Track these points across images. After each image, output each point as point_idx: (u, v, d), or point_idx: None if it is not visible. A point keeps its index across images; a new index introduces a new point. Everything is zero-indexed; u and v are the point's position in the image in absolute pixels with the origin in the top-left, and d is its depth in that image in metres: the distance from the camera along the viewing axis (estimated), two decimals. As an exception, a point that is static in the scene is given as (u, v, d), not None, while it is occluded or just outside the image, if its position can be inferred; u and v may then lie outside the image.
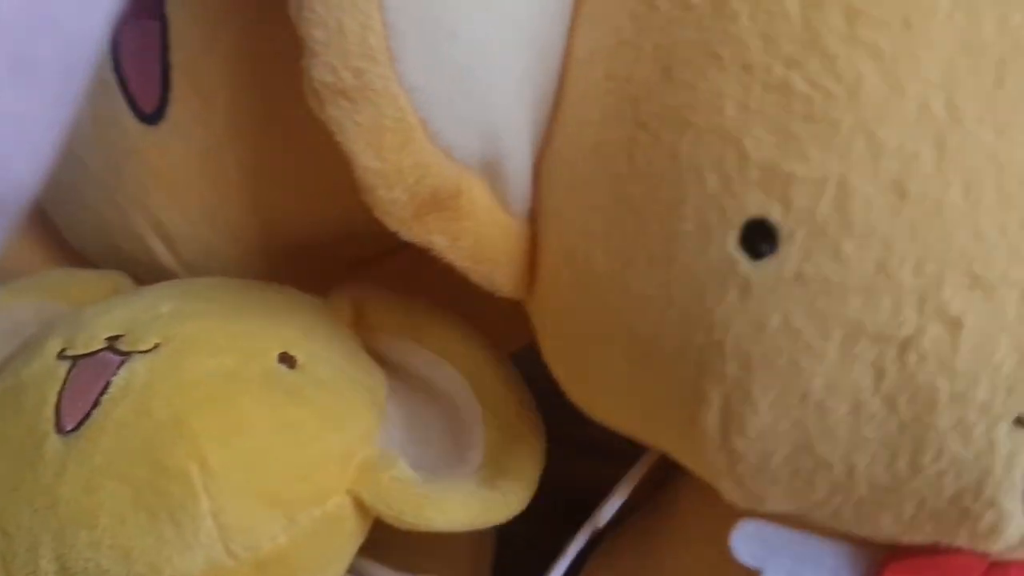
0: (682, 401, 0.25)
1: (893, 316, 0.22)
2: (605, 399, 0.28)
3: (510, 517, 0.29)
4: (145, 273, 0.33)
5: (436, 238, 0.26)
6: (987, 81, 0.21)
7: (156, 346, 0.28)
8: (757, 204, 0.22)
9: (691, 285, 0.24)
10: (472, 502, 0.28)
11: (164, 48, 0.31)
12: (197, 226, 0.32)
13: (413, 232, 0.26)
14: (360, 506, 0.28)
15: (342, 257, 0.34)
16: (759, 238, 0.22)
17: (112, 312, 0.29)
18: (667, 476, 0.33)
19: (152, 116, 0.31)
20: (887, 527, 0.25)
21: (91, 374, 0.27)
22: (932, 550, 0.26)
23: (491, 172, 0.26)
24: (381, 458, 0.28)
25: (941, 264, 0.22)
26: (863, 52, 0.22)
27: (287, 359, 0.28)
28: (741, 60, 0.22)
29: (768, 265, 0.23)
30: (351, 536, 0.28)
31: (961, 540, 0.25)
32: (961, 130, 0.21)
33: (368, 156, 0.24)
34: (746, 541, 0.27)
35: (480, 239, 0.26)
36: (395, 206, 0.26)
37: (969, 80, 0.21)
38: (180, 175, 0.31)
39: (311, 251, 0.33)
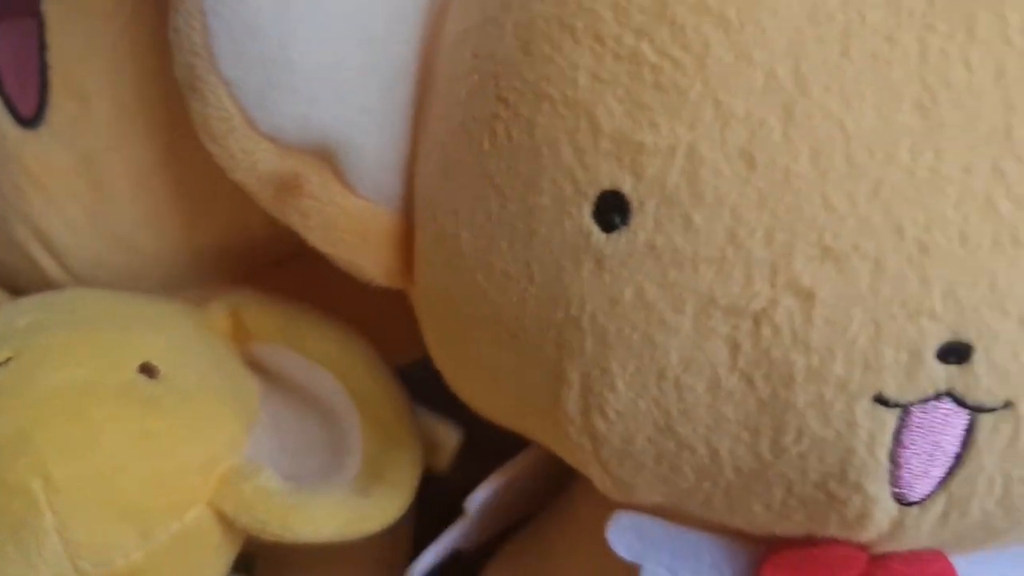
0: (545, 382, 0.24)
1: (745, 288, 0.22)
2: (481, 388, 0.27)
3: (385, 525, 0.29)
4: (31, 285, 0.32)
5: (293, 219, 0.27)
6: (833, 51, 0.21)
7: (8, 360, 0.27)
8: (609, 175, 0.22)
9: (549, 260, 0.23)
10: (342, 511, 0.28)
11: (42, 48, 0.30)
12: (82, 236, 0.31)
13: (277, 214, 0.28)
14: (224, 518, 0.27)
15: (241, 263, 0.33)
16: (612, 210, 0.22)
17: None
18: (569, 477, 0.33)
19: (31, 120, 0.30)
20: (759, 515, 0.24)
21: None
22: (811, 543, 0.26)
23: (326, 157, 0.26)
24: (245, 468, 0.28)
25: (791, 234, 0.21)
26: (710, 21, 0.22)
27: (148, 369, 0.28)
28: (594, 31, 0.22)
29: (621, 237, 0.22)
30: (217, 550, 0.28)
31: (833, 528, 0.24)
32: (808, 99, 0.21)
33: (207, 141, 0.27)
34: (622, 534, 0.26)
35: (329, 221, 0.26)
36: (251, 190, 0.27)
37: (815, 49, 0.21)
38: (61, 183, 0.30)
39: (208, 258, 0.32)
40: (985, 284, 0.21)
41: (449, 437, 0.36)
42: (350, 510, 0.28)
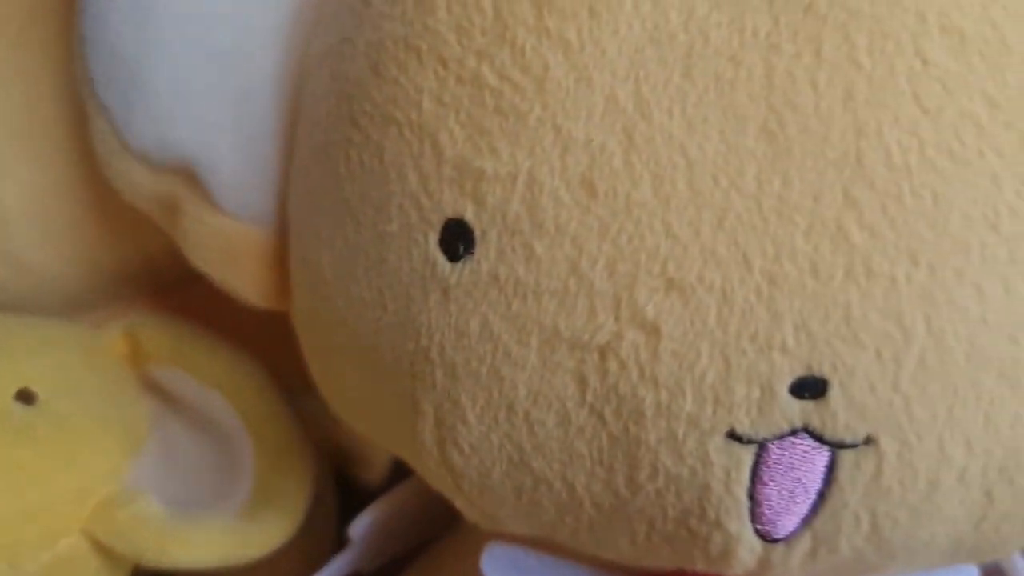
0: (403, 414, 0.23)
1: (589, 321, 0.21)
2: (354, 415, 0.26)
3: (271, 550, 0.28)
4: None
5: (177, 236, 0.27)
6: (675, 73, 0.20)
7: None
8: (452, 203, 0.21)
9: (400, 289, 0.22)
10: (223, 537, 0.27)
11: None
12: None
13: (170, 234, 0.27)
14: (102, 547, 0.27)
15: (143, 285, 0.32)
16: (456, 239, 0.21)
17: None
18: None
19: None
20: (626, 550, 0.24)
21: None
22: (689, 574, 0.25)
23: (187, 176, 0.26)
24: (123, 495, 0.27)
25: (633, 265, 0.20)
26: (549, 42, 0.21)
27: (25, 395, 0.27)
28: (437, 53, 0.21)
29: (465, 267, 0.21)
30: None
31: (699, 564, 0.23)
32: (649, 123, 0.20)
33: (99, 163, 0.27)
34: (496, 564, 0.26)
35: (202, 240, 0.26)
36: (144, 211, 0.27)
37: (657, 71, 0.20)
38: None
39: (109, 280, 0.32)
40: (838, 316, 0.20)
41: (380, 451, 0.36)
42: (233, 535, 0.28)
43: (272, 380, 0.31)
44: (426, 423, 0.23)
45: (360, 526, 0.28)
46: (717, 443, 0.21)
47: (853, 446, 0.21)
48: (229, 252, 0.26)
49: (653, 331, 0.21)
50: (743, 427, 0.21)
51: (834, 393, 0.21)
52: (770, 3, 0.20)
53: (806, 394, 0.21)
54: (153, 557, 0.27)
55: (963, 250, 0.21)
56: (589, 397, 0.21)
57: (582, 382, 0.21)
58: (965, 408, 0.21)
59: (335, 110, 0.24)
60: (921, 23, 0.20)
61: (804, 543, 0.22)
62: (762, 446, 0.21)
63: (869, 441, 0.21)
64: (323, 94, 0.24)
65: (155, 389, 0.31)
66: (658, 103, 0.20)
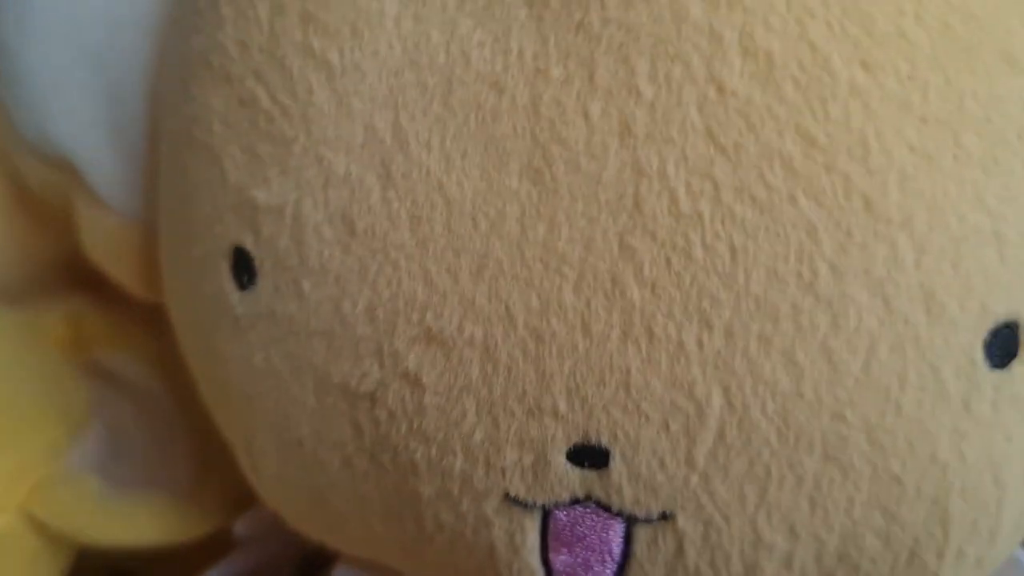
0: (231, 439, 0.23)
1: (354, 367, 0.19)
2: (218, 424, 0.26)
3: (214, 528, 0.28)
4: None
5: (77, 231, 0.27)
6: (434, 100, 0.18)
7: None
8: (236, 231, 0.20)
9: (205, 315, 0.22)
10: (163, 515, 0.28)
11: None
12: None
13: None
14: (41, 526, 0.27)
15: (81, 274, 0.32)
16: (242, 268, 0.20)
17: None
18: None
19: None
20: (447, 591, 0.23)
21: None
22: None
23: (69, 169, 0.25)
24: (63, 475, 0.28)
25: (393, 312, 0.18)
26: (314, 64, 0.19)
27: None
28: (224, 71, 0.20)
29: (250, 298, 0.20)
30: (36, 558, 0.28)
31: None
32: (406, 156, 0.18)
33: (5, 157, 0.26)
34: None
35: (90, 233, 0.25)
36: (53, 203, 0.27)
37: (415, 98, 0.18)
38: None
39: (47, 270, 0.31)
40: (616, 382, 0.18)
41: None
42: (173, 514, 0.28)
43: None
44: (240, 449, 0.22)
45: (246, 524, 0.28)
46: (494, 505, 0.19)
47: (648, 521, 0.19)
48: (115, 246, 0.26)
49: (416, 383, 0.19)
50: (519, 491, 0.19)
51: (616, 465, 0.18)
52: (538, 20, 0.17)
53: (586, 463, 0.18)
54: (93, 536, 0.27)
55: (770, 315, 0.17)
56: (367, 443, 0.20)
57: (357, 428, 0.20)
58: (782, 490, 0.18)
59: (161, 124, 0.23)
60: (716, 44, 0.17)
61: (613, 614, 0.21)
62: (547, 511, 0.19)
63: (666, 517, 0.19)
64: (164, 104, 0.23)
65: (99, 373, 0.31)
66: (416, 135, 0.18)
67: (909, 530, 0.19)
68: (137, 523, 0.28)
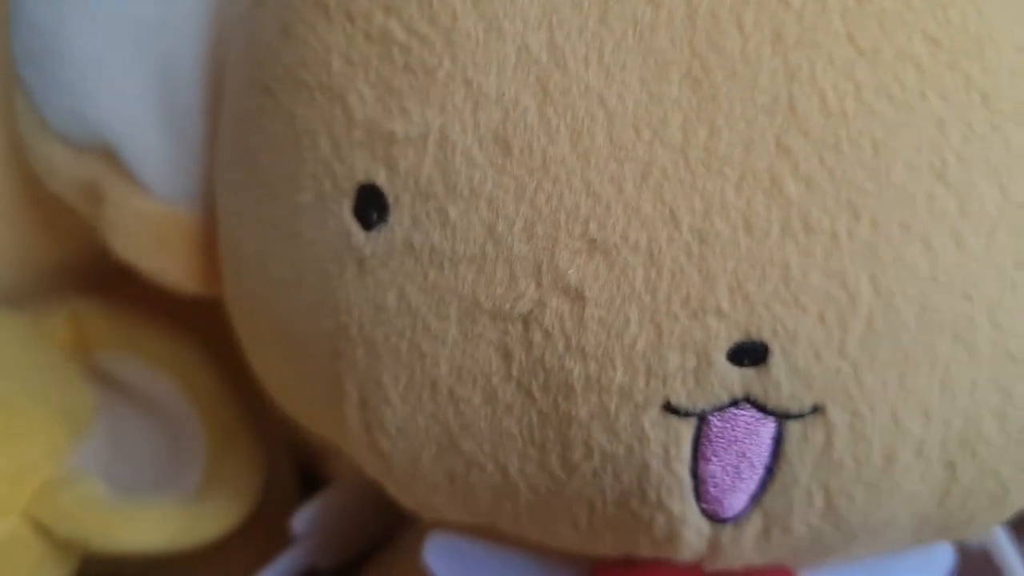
0: (329, 397, 0.22)
1: (509, 289, 0.19)
2: (289, 399, 0.25)
3: (223, 532, 0.27)
4: None
5: (102, 227, 0.25)
6: (591, 17, 0.19)
7: None
8: (364, 168, 0.20)
9: (316, 264, 0.21)
10: (170, 519, 0.26)
11: None
12: None
13: (94, 226, 0.26)
14: (45, 531, 0.26)
15: (85, 275, 0.30)
16: (370, 206, 0.20)
17: None
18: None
19: None
20: (569, 536, 0.22)
21: None
22: (639, 562, 0.24)
23: (109, 157, 0.24)
24: (66, 478, 0.26)
25: (553, 227, 0.19)
26: None
27: None
28: (345, 10, 0.20)
29: (380, 236, 0.20)
30: (40, 563, 0.26)
31: (646, 549, 0.22)
32: (564, 73, 0.19)
33: (24, 148, 0.25)
34: (440, 556, 0.24)
35: (129, 227, 0.24)
36: (69, 201, 0.26)
37: (571, 16, 0.19)
38: None
39: (50, 272, 0.30)
40: (777, 277, 0.19)
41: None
42: (180, 518, 0.27)
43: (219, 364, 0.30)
44: (351, 405, 0.22)
45: (304, 519, 0.27)
46: (653, 417, 0.20)
47: (800, 416, 0.20)
48: (158, 237, 0.25)
49: (577, 297, 0.19)
50: (679, 399, 0.19)
51: (775, 360, 0.19)
52: None
53: (745, 361, 0.19)
54: (98, 540, 0.26)
55: (908, 202, 0.19)
56: (515, 371, 0.20)
57: (506, 355, 0.20)
58: (919, 375, 0.20)
59: (248, 78, 0.22)
60: None
61: (755, 523, 0.21)
62: (702, 419, 0.20)
63: (816, 411, 0.20)
64: (237, 62, 0.23)
65: (102, 375, 0.30)
66: (573, 51, 0.19)
67: (1021, 409, 0.21)
68: (143, 527, 0.26)
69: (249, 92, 0.22)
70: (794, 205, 0.19)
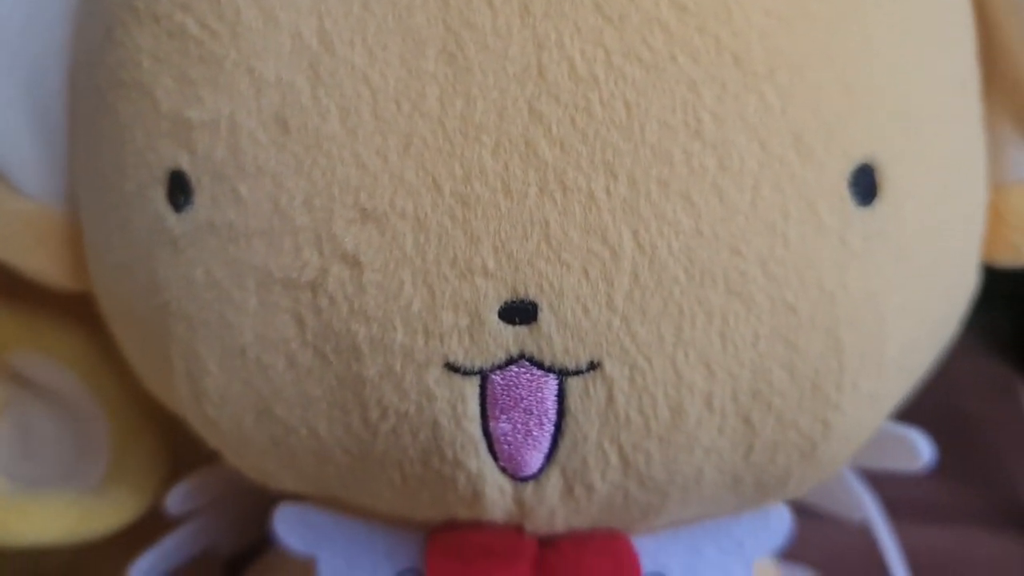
0: (165, 370, 0.24)
1: (296, 259, 0.21)
2: (146, 381, 0.26)
3: (121, 525, 0.28)
4: None
5: None
6: (355, 4, 0.20)
7: None
8: (172, 155, 0.22)
9: (141, 247, 0.23)
10: (67, 511, 0.28)
11: None
12: None
13: None
14: None
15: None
16: (178, 190, 0.22)
17: None
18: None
19: None
20: (391, 498, 0.23)
21: None
22: (469, 526, 0.24)
23: None
24: None
25: (328, 198, 0.20)
26: None
27: None
28: (151, 12, 0.22)
29: (187, 217, 0.22)
30: None
31: (459, 511, 0.23)
32: (333, 56, 0.20)
33: None
34: (291, 527, 0.25)
35: (4, 226, 0.25)
36: None
37: (337, 5, 0.20)
38: None
39: None
40: (538, 235, 0.20)
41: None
42: (78, 510, 0.28)
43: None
44: (179, 376, 0.23)
45: (177, 497, 0.28)
46: (436, 375, 0.21)
47: (579, 373, 0.21)
48: (35, 237, 0.26)
49: (355, 263, 0.20)
50: (457, 357, 0.20)
51: (545, 316, 0.20)
52: None
53: (517, 319, 0.20)
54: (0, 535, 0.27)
55: (665, 160, 0.20)
56: (309, 336, 0.21)
57: (300, 322, 0.21)
58: (695, 328, 0.21)
59: (86, 79, 0.24)
60: None
61: (554, 480, 0.22)
62: (485, 377, 0.21)
63: (593, 366, 0.21)
64: (79, 65, 0.25)
65: (8, 373, 0.31)
66: (340, 36, 0.20)
67: (810, 361, 0.21)
68: (40, 519, 0.27)
69: (86, 92, 0.24)
70: (550, 167, 0.20)
